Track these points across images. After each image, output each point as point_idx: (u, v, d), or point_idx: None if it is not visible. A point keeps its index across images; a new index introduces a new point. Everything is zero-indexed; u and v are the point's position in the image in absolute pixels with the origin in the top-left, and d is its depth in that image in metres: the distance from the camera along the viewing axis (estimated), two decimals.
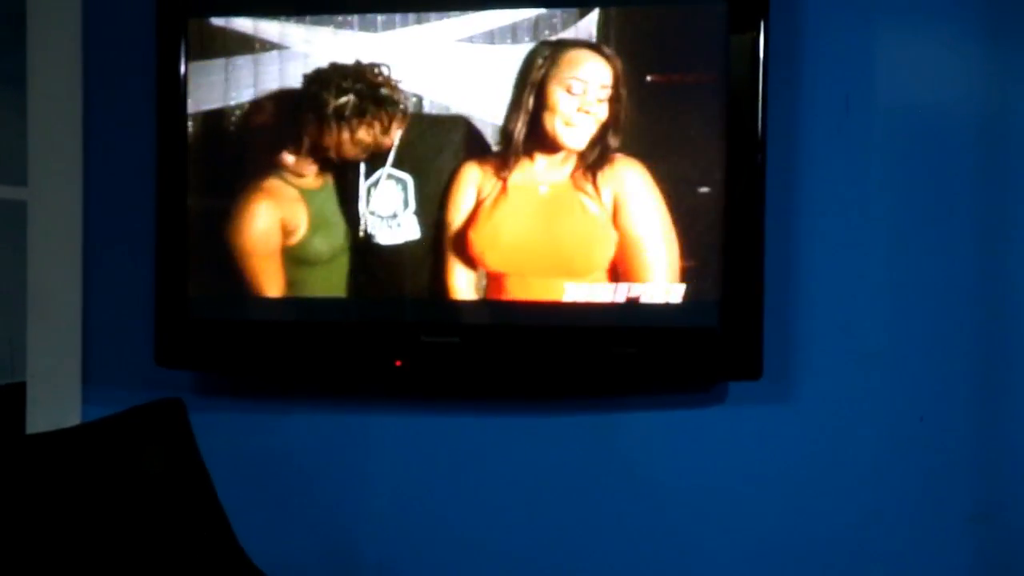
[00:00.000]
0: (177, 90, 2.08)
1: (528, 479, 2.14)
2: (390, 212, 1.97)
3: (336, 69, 1.98)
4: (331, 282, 2.04)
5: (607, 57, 1.93)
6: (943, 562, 2.05)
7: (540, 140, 1.96)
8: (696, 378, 2.07)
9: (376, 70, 1.96)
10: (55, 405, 2.22)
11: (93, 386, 2.24)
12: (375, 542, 2.18)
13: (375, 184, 1.98)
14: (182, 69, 2.07)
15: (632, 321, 1.98)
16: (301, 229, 2.05)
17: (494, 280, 1.99)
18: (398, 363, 2.04)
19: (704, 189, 1.94)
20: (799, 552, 2.08)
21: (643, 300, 1.98)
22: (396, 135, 1.97)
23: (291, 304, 2.08)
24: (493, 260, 1.98)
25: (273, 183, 2.04)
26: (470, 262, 2.00)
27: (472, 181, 1.98)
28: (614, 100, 1.93)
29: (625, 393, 2.12)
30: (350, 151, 1.96)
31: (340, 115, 1.97)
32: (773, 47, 1.95)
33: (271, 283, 2.05)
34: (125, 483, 1.72)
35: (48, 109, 2.23)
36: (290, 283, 2.05)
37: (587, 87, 1.92)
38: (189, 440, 1.82)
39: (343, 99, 1.95)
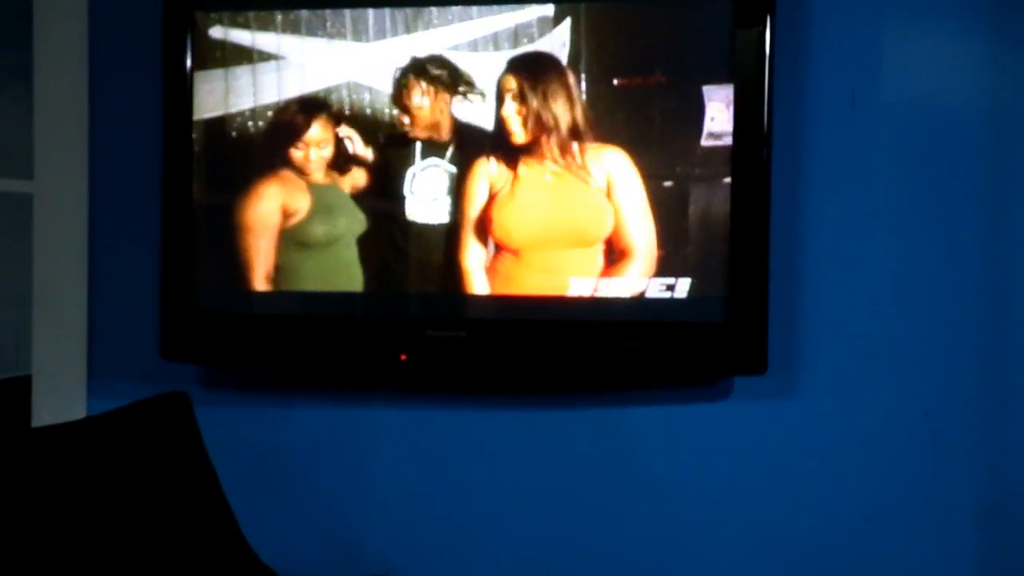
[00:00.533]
0: (183, 86, 2.08)
1: (533, 473, 2.14)
2: (432, 196, 2.01)
3: (426, 61, 2.00)
4: (347, 260, 2.06)
5: (565, 65, 1.97)
6: (949, 557, 2.05)
7: (524, 137, 1.99)
8: (701, 373, 2.07)
9: (456, 65, 2.00)
10: (60, 398, 2.23)
11: (98, 380, 2.24)
12: (379, 535, 2.18)
13: (421, 170, 2.02)
14: (188, 64, 2.08)
15: (638, 315, 1.98)
16: (301, 213, 2.06)
17: (507, 256, 2.01)
18: (403, 357, 2.04)
19: (709, 182, 1.95)
20: (804, 547, 2.08)
21: (648, 295, 1.98)
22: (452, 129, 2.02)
23: (296, 298, 2.09)
24: (513, 238, 2.00)
25: (281, 174, 2.06)
26: (487, 241, 2.02)
27: (490, 172, 2.01)
28: (577, 101, 1.97)
29: (631, 388, 2.12)
30: (414, 134, 2.02)
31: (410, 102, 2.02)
32: (779, 42, 1.95)
33: (269, 265, 2.07)
34: (130, 477, 1.73)
35: (54, 103, 2.24)
36: (287, 268, 2.07)
37: (538, 94, 1.97)
38: (194, 434, 1.83)
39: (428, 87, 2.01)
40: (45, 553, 1.63)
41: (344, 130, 2.04)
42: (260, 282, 2.08)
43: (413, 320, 2.05)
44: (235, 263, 2.09)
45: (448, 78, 2.00)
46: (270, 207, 2.06)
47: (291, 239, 2.07)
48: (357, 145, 2.04)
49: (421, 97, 2.01)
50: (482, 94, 1.99)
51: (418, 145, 2.02)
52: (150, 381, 2.11)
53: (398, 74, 2.01)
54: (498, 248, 2.02)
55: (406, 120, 2.02)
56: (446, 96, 2.01)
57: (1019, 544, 2.05)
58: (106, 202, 2.24)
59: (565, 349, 2.01)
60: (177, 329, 2.11)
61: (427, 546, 2.17)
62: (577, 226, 1.99)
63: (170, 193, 2.10)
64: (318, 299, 2.08)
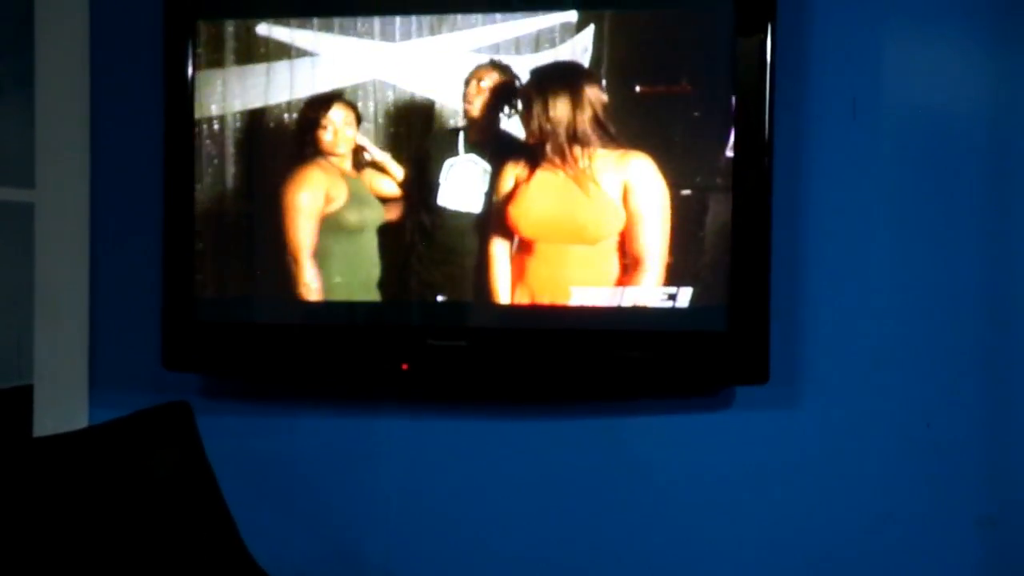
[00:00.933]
0: (185, 92, 2.09)
1: (535, 483, 2.14)
2: (467, 188, 2.04)
3: (485, 63, 2.03)
4: (370, 249, 2.08)
5: (583, 74, 1.98)
6: (951, 566, 2.05)
7: (539, 140, 2.01)
8: (703, 382, 2.07)
9: (511, 69, 2.03)
10: (62, 408, 2.23)
11: (100, 389, 2.24)
12: (381, 545, 2.18)
13: (459, 163, 2.05)
14: (190, 71, 2.08)
15: (639, 325, 1.98)
16: (341, 199, 2.08)
17: (524, 246, 2.02)
18: (404, 366, 2.04)
19: (710, 192, 1.95)
20: (807, 557, 2.08)
21: (651, 304, 1.98)
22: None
23: (298, 307, 2.09)
24: (522, 226, 2.02)
25: (317, 164, 2.08)
26: (507, 232, 2.03)
27: (514, 169, 2.03)
28: (589, 109, 1.98)
29: (632, 397, 2.12)
30: (460, 129, 2.06)
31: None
32: (780, 50, 1.95)
33: (309, 248, 2.08)
34: (132, 486, 1.73)
35: (55, 111, 2.24)
36: (327, 251, 2.08)
37: (553, 102, 1.99)
38: (196, 443, 1.83)
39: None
40: (47, 563, 1.63)
41: (361, 137, 2.07)
42: (268, 284, 2.09)
43: (414, 329, 2.06)
44: (239, 271, 2.10)
45: (500, 81, 2.02)
46: (314, 192, 2.08)
47: (331, 223, 2.09)
48: (374, 150, 2.07)
49: (474, 95, 2.03)
50: (519, 99, 2.02)
51: (460, 139, 2.04)
52: (152, 391, 2.12)
53: (453, 75, 2.03)
54: (521, 243, 2.03)
55: (455, 114, 2.04)
56: (494, 97, 2.03)
57: (1020, 552, 2.05)
58: (107, 211, 2.24)
59: (566, 359, 2.01)
60: (179, 338, 2.11)
61: (429, 555, 2.17)
62: (576, 223, 1.99)
63: (172, 202, 2.10)
64: (320, 308, 2.08)
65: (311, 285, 2.08)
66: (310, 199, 2.08)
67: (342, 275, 2.08)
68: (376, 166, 2.07)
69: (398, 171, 2.06)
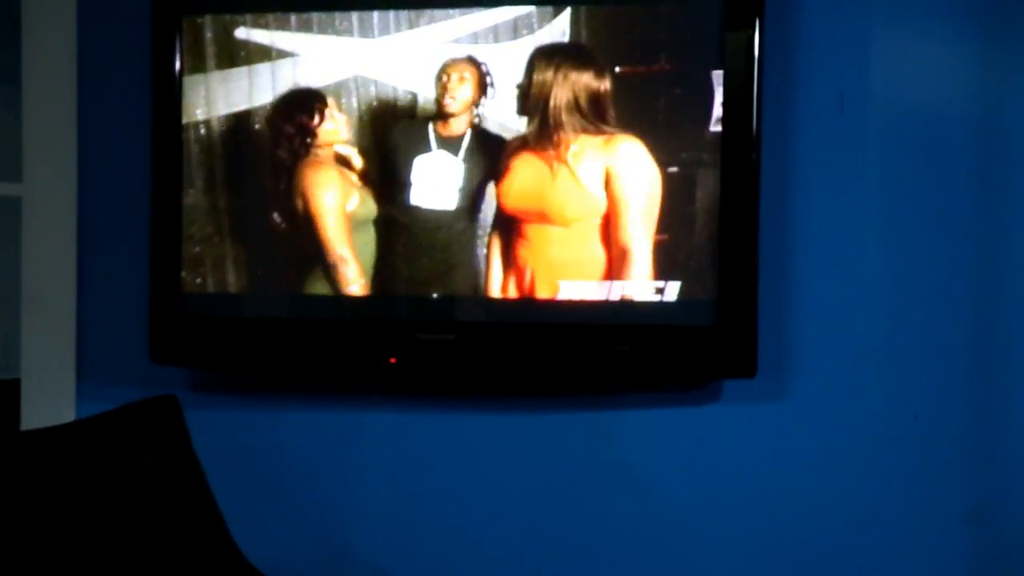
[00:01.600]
0: (172, 90, 2.09)
1: (523, 476, 2.14)
2: (454, 181, 2.05)
3: (457, 58, 2.04)
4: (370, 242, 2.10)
5: (564, 57, 1.99)
6: (938, 559, 2.05)
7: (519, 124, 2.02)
8: (691, 376, 2.07)
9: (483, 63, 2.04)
10: (49, 401, 2.23)
11: (87, 383, 2.24)
12: (369, 538, 2.18)
13: (434, 159, 2.06)
14: (176, 68, 2.08)
15: (627, 319, 1.99)
16: (355, 195, 2.09)
17: (514, 240, 2.03)
18: (392, 360, 2.04)
19: (698, 187, 1.96)
20: (794, 550, 2.08)
21: (638, 298, 1.98)
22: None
23: (286, 301, 2.09)
24: (507, 208, 2.02)
25: (327, 163, 2.09)
26: (496, 225, 2.04)
27: (498, 157, 2.03)
28: (567, 94, 1.99)
29: (620, 391, 2.12)
30: (433, 124, 2.07)
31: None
32: (768, 44, 1.96)
33: (342, 243, 2.08)
34: (119, 480, 1.72)
35: (43, 106, 2.23)
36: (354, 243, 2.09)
37: (532, 86, 2.01)
38: (183, 437, 1.82)
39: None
40: (33, 556, 1.63)
41: (345, 148, 2.08)
42: (272, 276, 2.10)
43: (403, 323, 2.06)
44: (229, 264, 2.09)
45: (476, 75, 2.03)
46: (332, 194, 2.09)
47: (355, 219, 2.10)
48: (346, 152, 2.08)
49: (448, 91, 2.04)
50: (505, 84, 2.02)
51: (431, 135, 2.05)
52: (139, 384, 2.11)
53: (432, 68, 2.04)
54: (510, 237, 2.03)
55: (429, 110, 2.05)
56: (470, 91, 2.03)
57: (1006, 546, 2.05)
58: (95, 204, 2.24)
59: (555, 353, 2.01)
60: (167, 332, 2.11)
61: (417, 549, 2.17)
62: (544, 203, 2.00)
63: (160, 194, 2.10)
64: (308, 302, 2.08)
65: (359, 280, 2.08)
66: (335, 196, 2.09)
67: (366, 269, 2.09)
68: (359, 166, 2.07)
69: (382, 169, 2.07)
